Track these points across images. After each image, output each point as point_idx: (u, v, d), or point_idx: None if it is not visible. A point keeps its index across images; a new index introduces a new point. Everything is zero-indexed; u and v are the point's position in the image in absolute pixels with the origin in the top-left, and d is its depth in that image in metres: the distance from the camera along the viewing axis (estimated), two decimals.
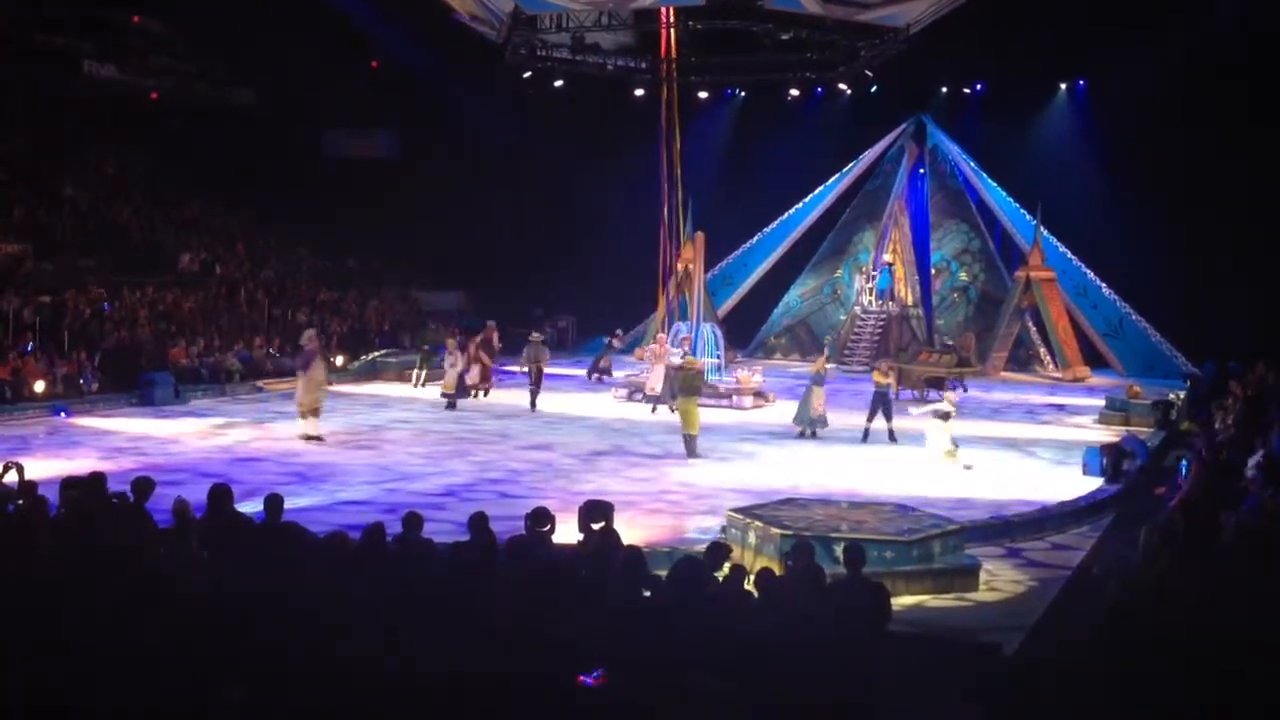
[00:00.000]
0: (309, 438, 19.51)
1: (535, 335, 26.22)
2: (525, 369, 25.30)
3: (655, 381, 24.01)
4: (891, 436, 20.31)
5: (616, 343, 31.25)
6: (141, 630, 6.78)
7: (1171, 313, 31.17)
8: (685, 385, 19.52)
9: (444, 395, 24.21)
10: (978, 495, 16.23)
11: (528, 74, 29.71)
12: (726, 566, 8.91)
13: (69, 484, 10.16)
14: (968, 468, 17.98)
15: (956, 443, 18.40)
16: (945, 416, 18.41)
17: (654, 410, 23.65)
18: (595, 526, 9.60)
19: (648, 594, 7.93)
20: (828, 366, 21.63)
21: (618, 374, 28.70)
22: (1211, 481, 12.82)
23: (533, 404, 24.10)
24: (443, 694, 6.17)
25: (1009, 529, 14.23)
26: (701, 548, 9.71)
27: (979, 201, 34.85)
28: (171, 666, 6.24)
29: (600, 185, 35.06)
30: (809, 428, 20.96)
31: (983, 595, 11.83)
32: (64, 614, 6.96)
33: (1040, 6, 29.57)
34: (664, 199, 27.68)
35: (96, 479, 10.04)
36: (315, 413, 19.80)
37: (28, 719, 5.78)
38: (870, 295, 34.22)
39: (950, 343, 31.40)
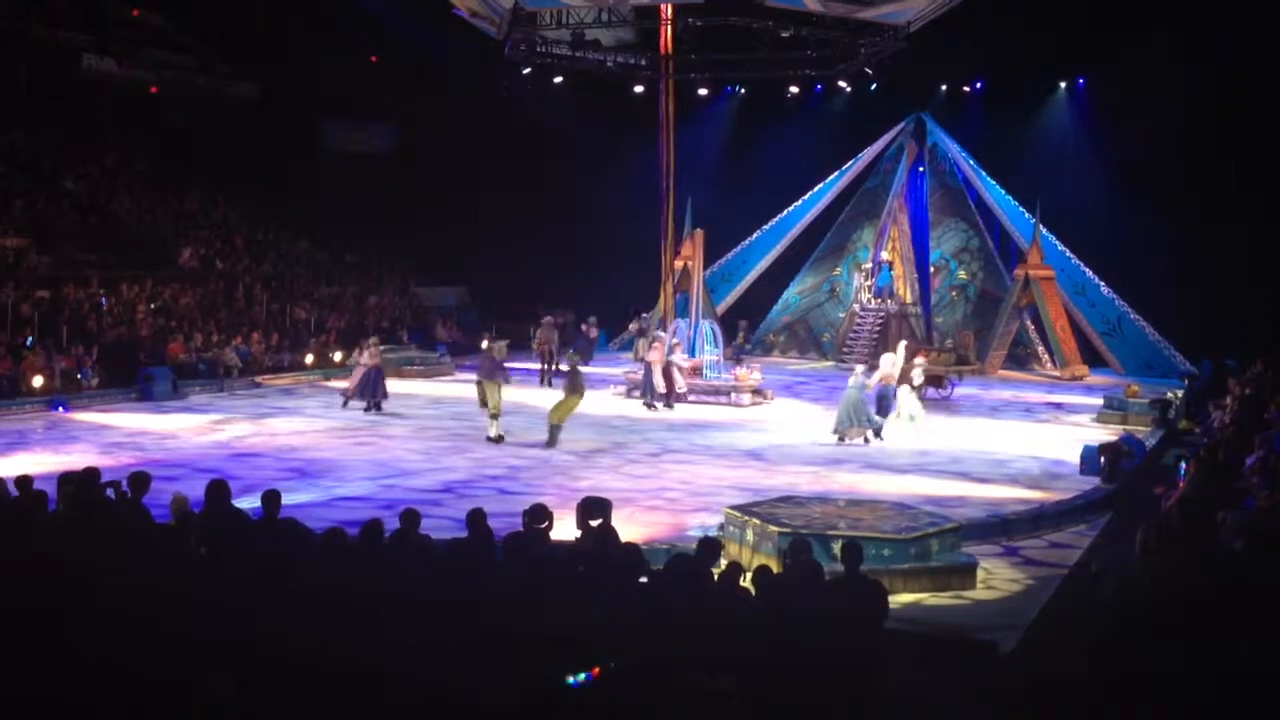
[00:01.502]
0: (495, 439, 19.59)
1: (547, 319, 28.83)
2: (538, 351, 27.71)
3: (656, 379, 23.94)
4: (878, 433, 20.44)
5: (633, 327, 31.68)
6: (138, 625, 6.78)
7: (1170, 312, 31.14)
8: (575, 384, 19.79)
9: (341, 394, 23.49)
10: (975, 493, 16.26)
11: (527, 70, 29.67)
12: (723, 563, 8.92)
13: (66, 479, 10.18)
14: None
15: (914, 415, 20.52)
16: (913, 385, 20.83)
17: (649, 408, 23.60)
18: (593, 524, 9.60)
19: (644, 592, 7.94)
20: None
21: (617, 370, 28.72)
22: (1209, 480, 12.82)
23: (548, 381, 26.67)
24: (439, 691, 6.17)
25: (1006, 527, 14.25)
26: None
27: (978, 200, 34.80)
28: (168, 662, 6.24)
29: (600, 181, 35.03)
30: (864, 430, 20.32)
31: (980, 593, 11.84)
32: (61, 609, 6.97)
33: (1040, 5, 29.53)
34: (663, 196, 27.64)
35: (90, 474, 10.05)
36: (497, 416, 19.88)
37: (23, 714, 5.78)
38: (869, 293, 34.20)
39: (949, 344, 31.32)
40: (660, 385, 23.87)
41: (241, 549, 8.75)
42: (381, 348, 24.32)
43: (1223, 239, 29.00)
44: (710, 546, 8.98)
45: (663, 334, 25.54)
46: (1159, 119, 29.61)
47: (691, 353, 26.03)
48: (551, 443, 19.29)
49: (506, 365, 21.58)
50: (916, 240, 35.00)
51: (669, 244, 28.05)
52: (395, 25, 35.11)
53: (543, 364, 27.40)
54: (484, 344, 23.47)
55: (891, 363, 21.90)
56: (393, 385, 24.92)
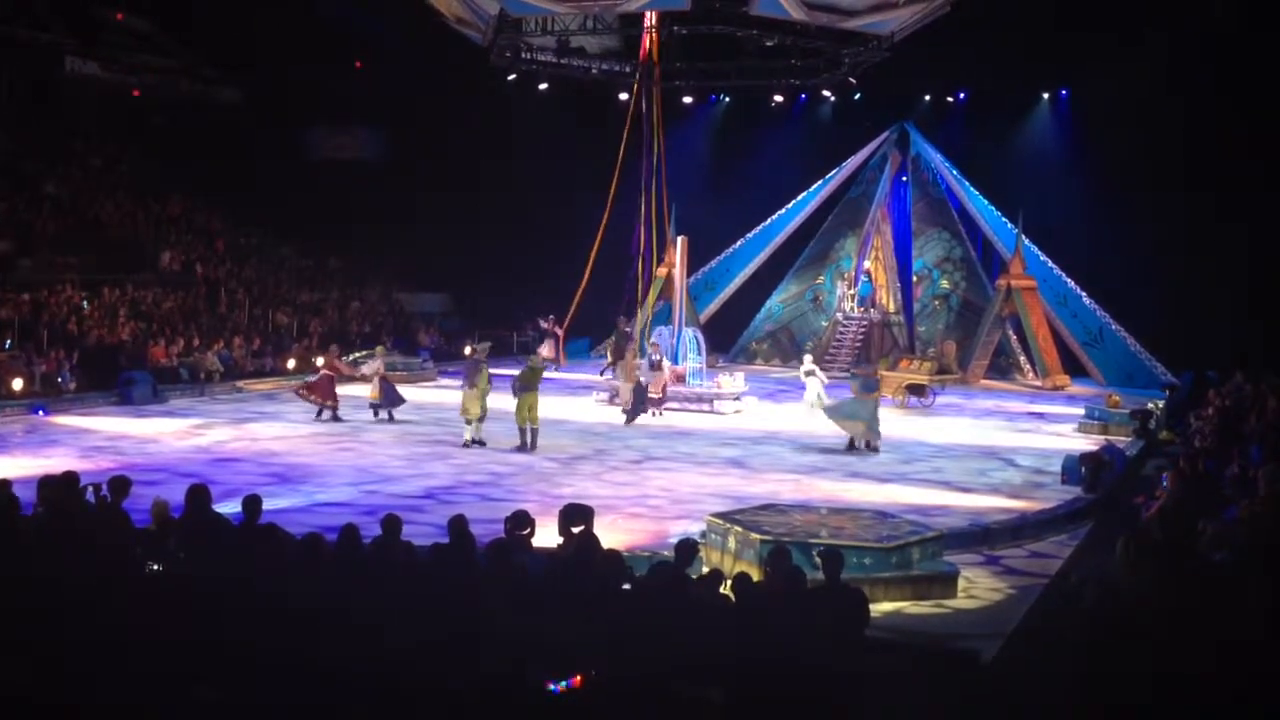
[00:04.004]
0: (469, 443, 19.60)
1: (626, 328, 29.90)
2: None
3: (627, 395, 23.64)
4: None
5: (544, 323, 31.52)
6: (116, 630, 6.74)
7: (1151, 323, 31.28)
8: (525, 381, 19.68)
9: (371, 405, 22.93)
10: (957, 502, 16.30)
11: (513, 76, 29.69)
12: (704, 568, 8.93)
13: (45, 483, 10.12)
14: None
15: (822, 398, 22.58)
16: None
17: (628, 423, 23.41)
18: (575, 530, 9.59)
19: (626, 598, 7.93)
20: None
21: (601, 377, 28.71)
22: (1189, 491, 12.87)
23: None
24: (420, 697, 6.15)
25: (987, 536, 14.26)
26: None
27: (961, 209, 34.92)
28: (146, 666, 6.21)
29: (584, 188, 35.00)
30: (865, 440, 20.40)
31: (961, 602, 11.85)
32: (39, 613, 6.93)
33: (1023, 16, 29.69)
34: (646, 203, 27.64)
35: (69, 478, 10.00)
36: (480, 420, 19.83)
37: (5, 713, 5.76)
38: (852, 302, 34.28)
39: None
40: (628, 400, 23.64)
41: (221, 554, 8.71)
42: (352, 357, 23.21)
43: (1204, 250, 29.14)
44: (687, 548, 8.99)
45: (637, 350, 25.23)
46: (1142, 130, 29.78)
47: (675, 360, 25.98)
48: (528, 446, 19.23)
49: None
50: (899, 250, 35.11)
51: (653, 252, 28.06)
52: (380, 31, 35.10)
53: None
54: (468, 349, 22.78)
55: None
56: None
